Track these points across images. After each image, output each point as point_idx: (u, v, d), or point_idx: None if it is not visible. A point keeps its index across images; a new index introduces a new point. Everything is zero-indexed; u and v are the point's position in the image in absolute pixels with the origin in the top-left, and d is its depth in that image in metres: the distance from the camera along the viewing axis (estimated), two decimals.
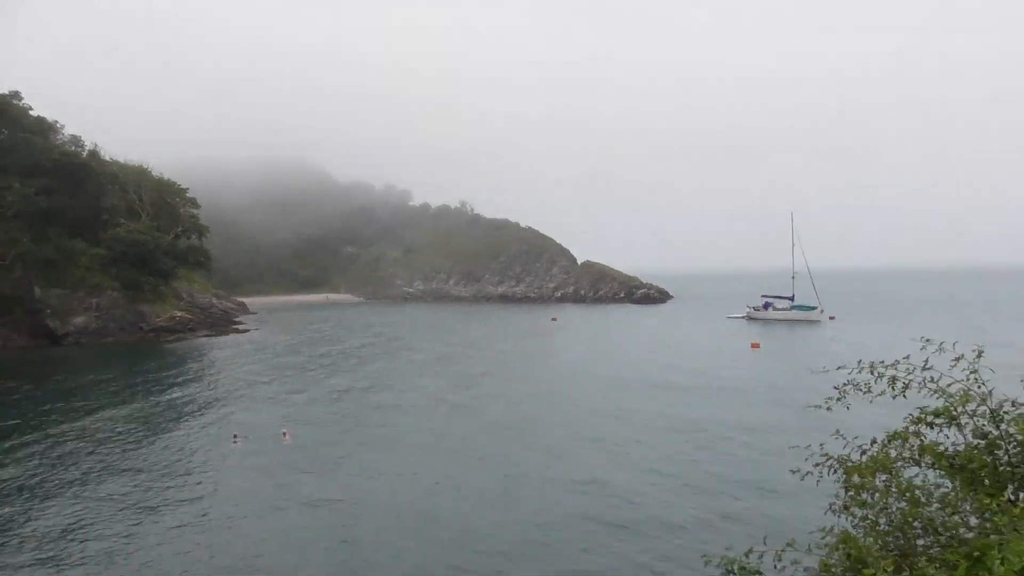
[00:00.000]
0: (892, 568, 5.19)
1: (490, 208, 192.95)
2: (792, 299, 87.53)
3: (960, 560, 5.21)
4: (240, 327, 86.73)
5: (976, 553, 5.23)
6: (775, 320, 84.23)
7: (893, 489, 6.84)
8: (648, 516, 18.94)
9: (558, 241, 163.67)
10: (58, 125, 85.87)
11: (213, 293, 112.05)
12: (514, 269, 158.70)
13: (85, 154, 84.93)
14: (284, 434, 29.39)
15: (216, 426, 31.89)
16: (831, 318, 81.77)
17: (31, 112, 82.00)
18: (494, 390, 39.22)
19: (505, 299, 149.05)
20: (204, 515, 19.84)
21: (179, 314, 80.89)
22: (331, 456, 26.27)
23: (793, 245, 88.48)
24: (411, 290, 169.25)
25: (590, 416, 31.92)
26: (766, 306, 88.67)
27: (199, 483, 23.12)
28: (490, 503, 20.47)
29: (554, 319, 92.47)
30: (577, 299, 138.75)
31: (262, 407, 36.06)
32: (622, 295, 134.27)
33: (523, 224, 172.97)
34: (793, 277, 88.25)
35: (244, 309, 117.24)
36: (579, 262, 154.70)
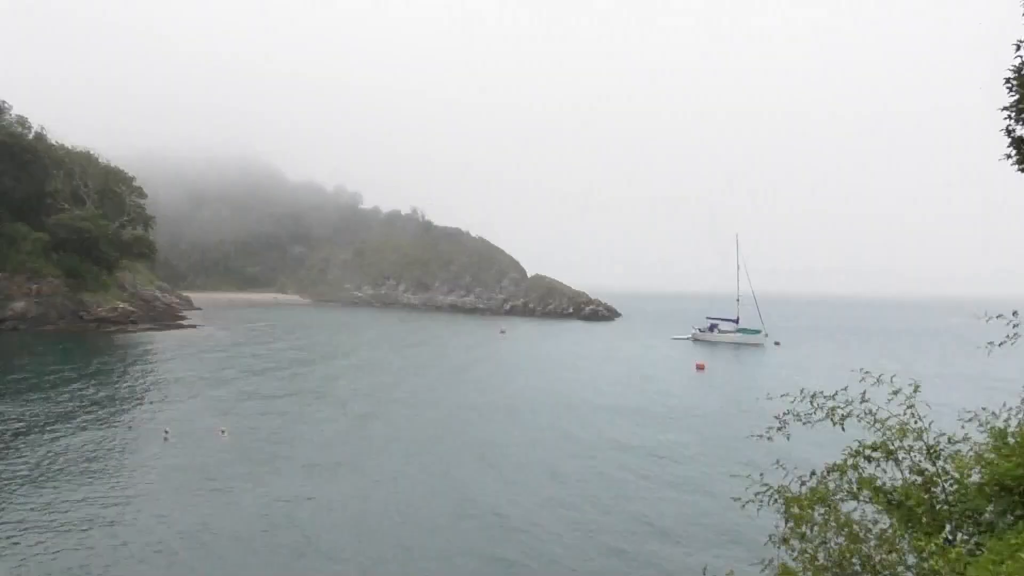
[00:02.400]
0: None
1: (442, 216, 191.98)
2: (737, 321, 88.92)
3: None
4: (184, 323, 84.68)
5: None
6: (720, 343, 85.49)
7: (832, 523, 6.90)
8: (586, 543, 18.91)
9: (509, 253, 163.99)
10: (5, 105, 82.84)
11: (157, 286, 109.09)
12: (464, 279, 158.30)
13: (31, 136, 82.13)
14: (222, 432, 28.89)
15: (150, 422, 31.09)
16: (776, 343, 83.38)
17: None
18: (437, 401, 38.93)
19: (455, 308, 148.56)
20: (123, 509, 19.16)
21: (122, 305, 78.56)
22: (266, 455, 25.87)
23: (738, 268, 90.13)
24: (360, 294, 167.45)
25: (528, 437, 31.75)
26: (712, 328, 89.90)
27: (121, 477, 22.54)
28: (425, 512, 20.24)
29: (503, 332, 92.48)
30: (526, 312, 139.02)
31: (200, 404, 35.24)
32: (570, 311, 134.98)
33: (474, 234, 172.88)
34: (738, 300, 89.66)
35: (189, 304, 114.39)
36: (529, 275, 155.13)
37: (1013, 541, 5.33)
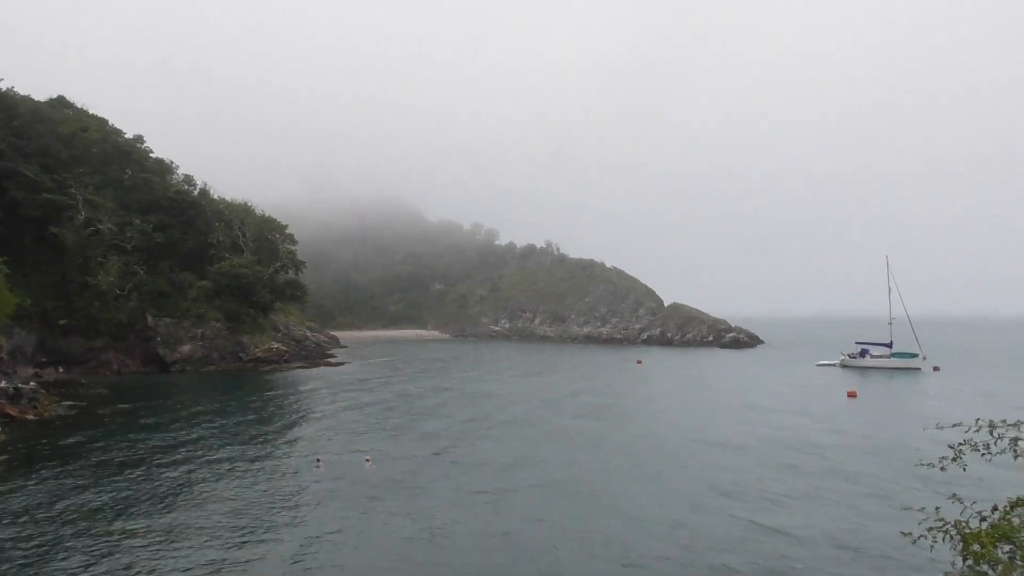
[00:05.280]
0: None
1: (576, 248, 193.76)
2: (890, 346, 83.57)
3: None
4: (332, 360, 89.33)
5: None
6: (872, 368, 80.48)
7: (1019, 561, 6.45)
8: (746, 563, 18.27)
9: (644, 282, 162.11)
10: (173, 165, 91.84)
11: (307, 326, 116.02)
12: (599, 310, 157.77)
13: (196, 192, 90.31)
14: (366, 460, 30.33)
15: (303, 451, 33.04)
16: (935, 368, 77.56)
17: (152, 154, 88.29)
18: (580, 436, 38.84)
19: (590, 340, 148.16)
20: (279, 533, 20.38)
21: (276, 346, 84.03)
22: (409, 483, 26.86)
23: (890, 290, 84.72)
24: (497, 328, 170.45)
25: (679, 461, 31.15)
26: (862, 353, 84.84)
27: (278, 501, 23.98)
28: (566, 539, 20.22)
29: (639, 362, 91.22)
30: (664, 342, 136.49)
31: (348, 435, 37.05)
32: (710, 339, 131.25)
33: (609, 264, 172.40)
34: (890, 323, 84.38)
35: (336, 343, 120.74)
36: (666, 304, 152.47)
37: None
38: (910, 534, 7.54)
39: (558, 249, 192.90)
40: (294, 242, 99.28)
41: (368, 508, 23.64)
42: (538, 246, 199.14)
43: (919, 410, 47.35)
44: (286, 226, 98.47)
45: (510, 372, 77.28)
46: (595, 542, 20.45)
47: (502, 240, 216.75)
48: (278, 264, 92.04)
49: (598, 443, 35.59)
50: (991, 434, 7.33)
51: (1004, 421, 7.34)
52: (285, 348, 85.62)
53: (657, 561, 18.87)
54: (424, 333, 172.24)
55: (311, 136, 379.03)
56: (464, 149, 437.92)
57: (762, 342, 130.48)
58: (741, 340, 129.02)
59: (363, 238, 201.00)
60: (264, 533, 21.19)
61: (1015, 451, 7.16)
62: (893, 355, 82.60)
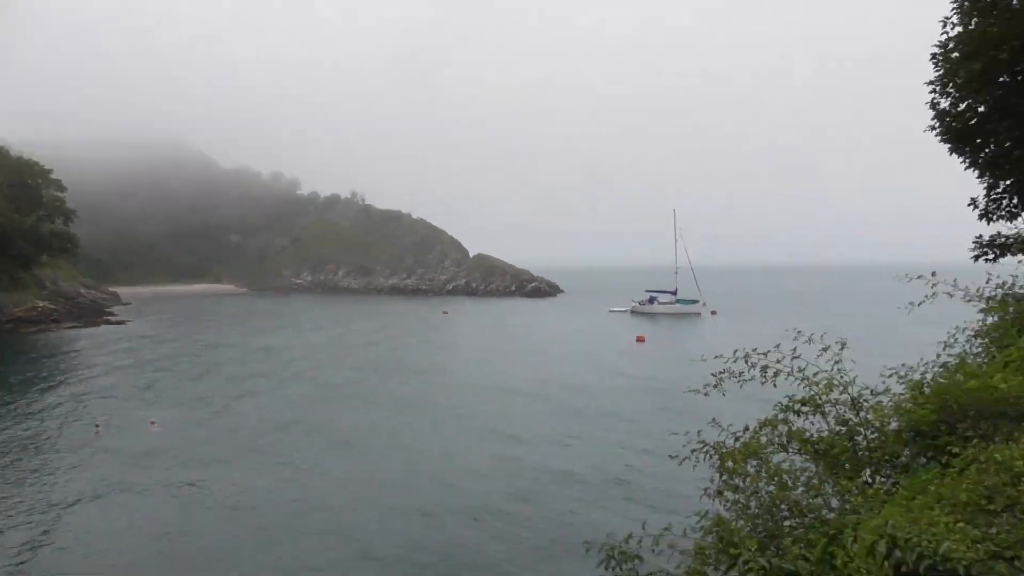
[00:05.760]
0: (757, 548, 5.53)
1: (382, 199, 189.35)
2: (675, 293, 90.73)
3: (820, 539, 5.55)
4: (112, 319, 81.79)
5: (834, 532, 5.57)
6: (659, 314, 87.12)
7: (763, 474, 7.16)
8: (533, 507, 19.22)
9: (451, 233, 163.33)
10: None
11: (81, 282, 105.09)
12: (406, 261, 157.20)
13: None
14: (151, 423, 28.53)
15: (78, 418, 30.38)
16: (713, 312, 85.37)
17: None
18: (376, 389, 38.72)
19: (396, 291, 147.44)
20: (47, 504, 18.68)
21: (41, 304, 75.37)
22: (192, 445, 25.84)
23: (676, 241, 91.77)
24: (299, 281, 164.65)
25: (474, 410, 32.02)
26: (651, 300, 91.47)
27: (48, 472, 22.07)
28: (359, 495, 20.26)
29: (445, 312, 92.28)
30: (469, 292, 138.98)
31: (130, 399, 34.52)
32: (513, 288, 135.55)
33: (415, 215, 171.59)
34: (676, 272, 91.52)
35: (117, 300, 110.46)
36: (471, 255, 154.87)
37: (924, 478, 5.73)
38: (676, 456, 8.12)
39: (363, 199, 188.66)
40: (62, 188, 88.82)
41: (142, 475, 22.22)
42: (342, 196, 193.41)
43: (696, 350, 52.03)
44: (50, 171, 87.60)
45: (307, 326, 75.17)
46: (384, 496, 20.54)
47: (304, 189, 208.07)
48: (41, 212, 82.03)
49: (393, 396, 35.76)
50: (746, 363, 8.07)
51: (755, 350, 8.11)
52: (53, 307, 77.05)
53: (447, 512, 19.30)
54: (218, 288, 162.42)
55: (85, 73, 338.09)
56: (261, 83, 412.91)
57: (562, 291, 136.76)
58: (542, 289, 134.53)
59: (148, 186, 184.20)
60: (19, 497, 19.13)
61: (764, 377, 7.94)
62: (677, 301, 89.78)
